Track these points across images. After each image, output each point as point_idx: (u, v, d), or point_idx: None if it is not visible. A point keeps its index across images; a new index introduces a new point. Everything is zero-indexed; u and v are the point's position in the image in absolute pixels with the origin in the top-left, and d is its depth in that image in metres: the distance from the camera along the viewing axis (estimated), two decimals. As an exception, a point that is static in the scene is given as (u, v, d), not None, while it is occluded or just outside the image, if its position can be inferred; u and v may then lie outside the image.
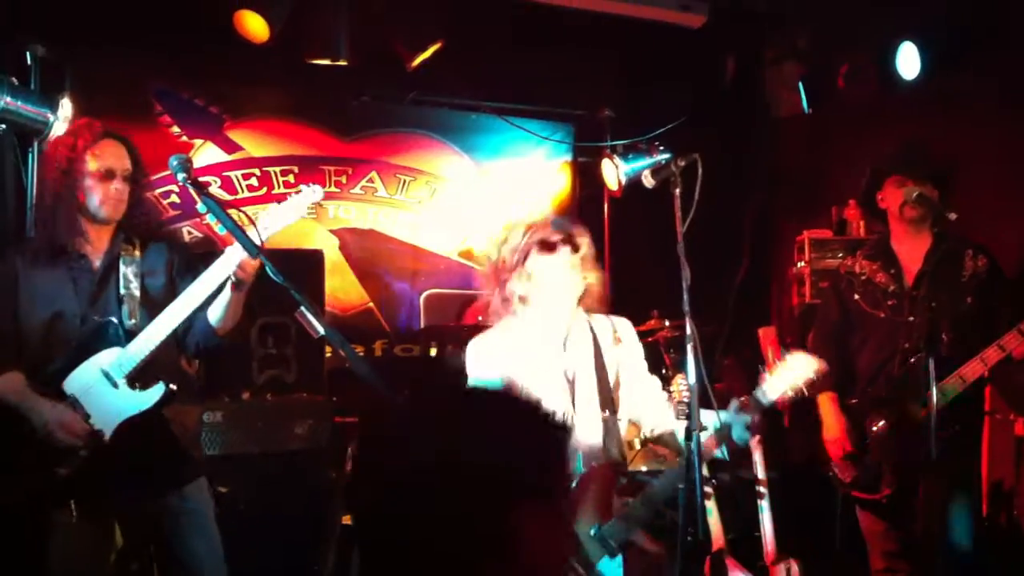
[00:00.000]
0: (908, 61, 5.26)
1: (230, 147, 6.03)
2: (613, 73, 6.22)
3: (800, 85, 6.02)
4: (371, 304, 6.31)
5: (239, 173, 6.04)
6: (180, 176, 3.18)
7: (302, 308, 2.99)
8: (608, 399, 3.34)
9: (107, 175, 3.41)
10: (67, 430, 3.23)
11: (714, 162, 3.25)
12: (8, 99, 4.55)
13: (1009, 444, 4.71)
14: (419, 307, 6.45)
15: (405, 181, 6.52)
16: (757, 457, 4.29)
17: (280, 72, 5.79)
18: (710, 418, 3.17)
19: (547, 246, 3.29)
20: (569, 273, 3.30)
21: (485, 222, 6.71)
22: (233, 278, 3.26)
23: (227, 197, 5.75)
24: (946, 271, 4.02)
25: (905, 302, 4.05)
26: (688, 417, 2.77)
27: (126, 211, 3.49)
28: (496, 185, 6.78)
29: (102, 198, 3.40)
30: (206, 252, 3.84)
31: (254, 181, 6.07)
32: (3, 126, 4.60)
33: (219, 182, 5.95)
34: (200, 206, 3.21)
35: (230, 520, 3.60)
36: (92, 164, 3.40)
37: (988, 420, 4.36)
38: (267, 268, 3.05)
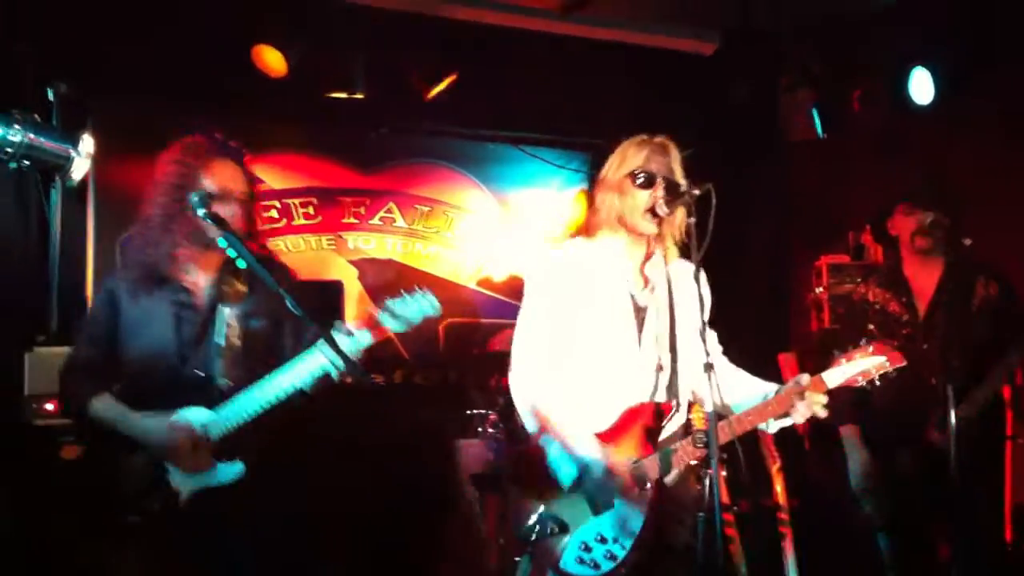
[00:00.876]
0: (921, 87, 5.28)
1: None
2: (628, 101, 6.24)
3: (814, 110, 6.04)
4: (390, 334, 6.32)
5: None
6: (200, 212, 3.15)
7: (322, 340, 3.02)
8: (672, 343, 3.18)
9: (222, 196, 3.23)
10: (183, 442, 3.06)
11: (729, 188, 3.24)
12: (31, 136, 4.61)
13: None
14: (439, 336, 6.47)
15: (423, 211, 6.56)
16: (778, 485, 4.27)
17: (298, 106, 5.85)
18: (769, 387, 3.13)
19: (644, 183, 3.14)
20: (649, 216, 3.12)
21: (502, 251, 6.75)
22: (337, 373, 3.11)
23: (236, 226, 5.79)
24: (958, 299, 4.03)
25: (919, 331, 4.05)
26: (706, 446, 2.76)
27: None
28: (513, 214, 6.81)
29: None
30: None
31: (274, 213, 6.12)
32: (27, 163, 4.66)
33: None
34: (220, 240, 3.17)
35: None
36: (208, 184, 3.24)
37: (1010, 445, 4.34)
38: (287, 302, 3.03)
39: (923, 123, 5.38)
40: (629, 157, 3.20)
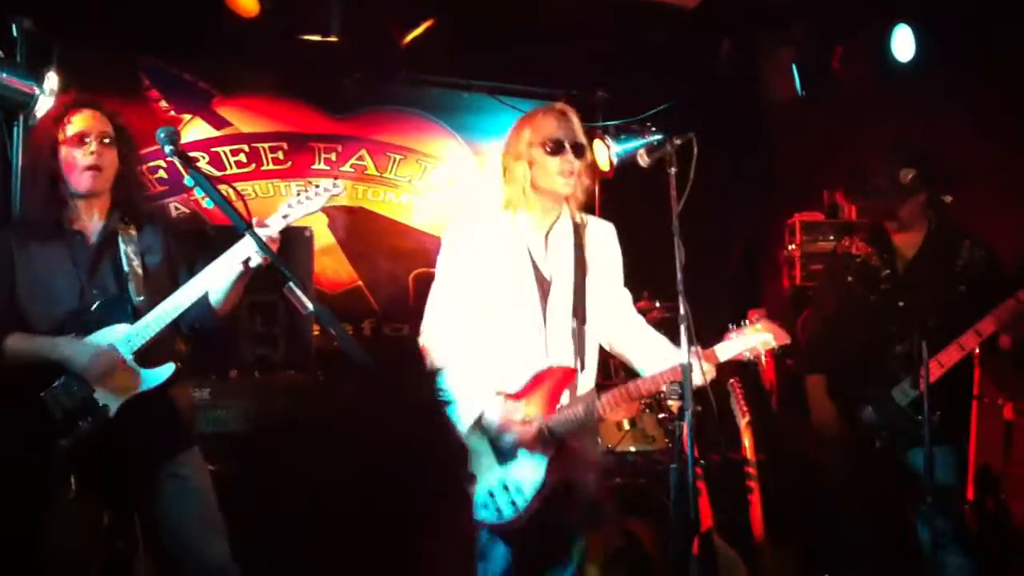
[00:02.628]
0: (903, 44, 5.24)
1: (219, 123, 5.97)
2: (607, 54, 6.17)
3: (794, 68, 6.00)
4: (360, 283, 6.26)
5: (228, 149, 5.99)
6: (167, 148, 3.14)
7: (291, 285, 2.96)
8: (581, 307, 3.38)
9: (81, 139, 3.37)
10: (106, 360, 3.24)
11: (707, 145, 3.23)
12: (-7, 71, 4.50)
13: (997, 428, 4.71)
14: (408, 286, 6.42)
15: (395, 159, 6.47)
16: (746, 439, 4.29)
17: (270, 48, 5.72)
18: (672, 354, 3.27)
19: (553, 146, 3.31)
20: (567, 176, 3.32)
21: (476, 202, 6.68)
22: (252, 262, 3.26)
23: (216, 173, 5.69)
24: (941, 258, 4.04)
25: (897, 287, 4.05)
26: (680, 396, 2.76)
27: (118, 187, 3.47)
28: (487, 165, 6.74)
29: (79, 164, 3.36)
30: (197, 231, 3.80)
31: (243, 157, 6.02)
32: (-12, 99, 4.56)
33: (207, 158, 5.89)
34: (187, 180, 3.15)
35: (221, 497, 3.57)
36: (66, 130, 3.38)
37: (976, 404, 4.37)
38: (257, 244, 3.03)
39: (905, 82, 5.35)
40: (535, 127, 3.37)
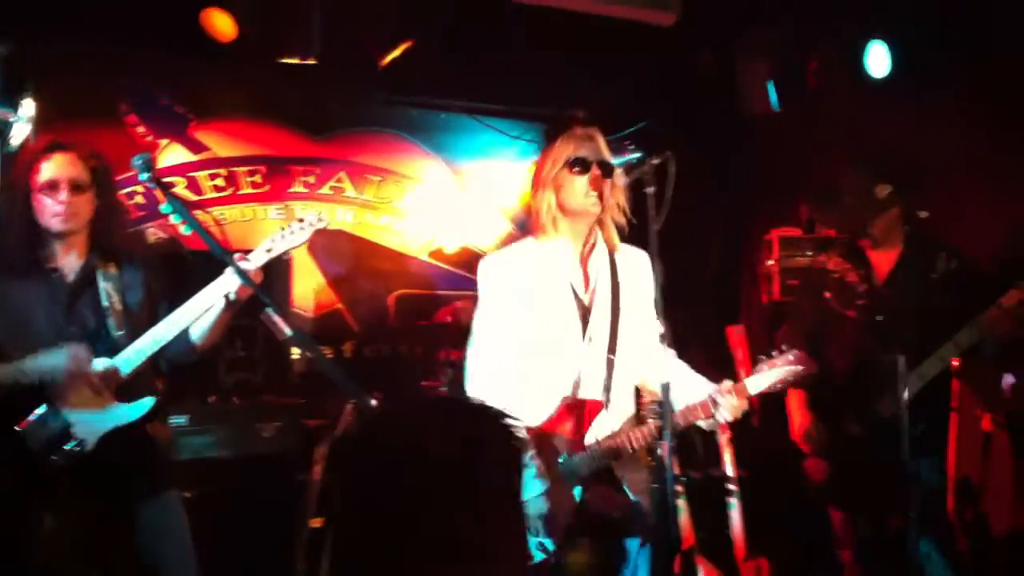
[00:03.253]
0: (878, 60, 5.29)
1: (196, 147, 5.96)
2: (584, 72, 6.20)
3: (769, 83, 6.03)
4: (340, 305, 6.25)
5: (205, 173, 5.98)
6: (143, 176, 3.14)
7: (268, 310, 2.96)
8: (612, 339, 3.28)
9: (52, 187, 3.36)
10: (82, 367, 3.21)
11: (685, 160, 3.24)
12: (-32, 98, 4.48)
13: (976, 440, 4.73)
14: (389, 308, 6.41)
15: (374, 181, 6.48)
16: (727, 455, 4.30)
17: (248, 71, 5.73)
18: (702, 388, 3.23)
19: (578, 165, 3.26)
20: (593, 196, 3.25)
21: (455, 223, 6.69)
22: (232, 296, 3.26)
23: (193, 198, 5.70)
24: (917, 272, 4.06)
25: (874, 302, 4.07)
26: (660, 416, 2.76)
27: (95, 226, 3.45)
28: (466, 185, 6.75)
29: (49, 211, 3.35)
30: (173, 256, 3.78)
31: (220, 181, 6.01)
32: (-37, 126, 4.53)
33: (185, 183, 5.88)
34: (164, 206, 3.15)
35: (197, 525, 3.56)
36: (39, 177, 3.37)
37: (955, 416, 4.39)
38: (233, 269, 3.03)
39: (882, 96, 5.39)
40: (559, 151, 3.30)
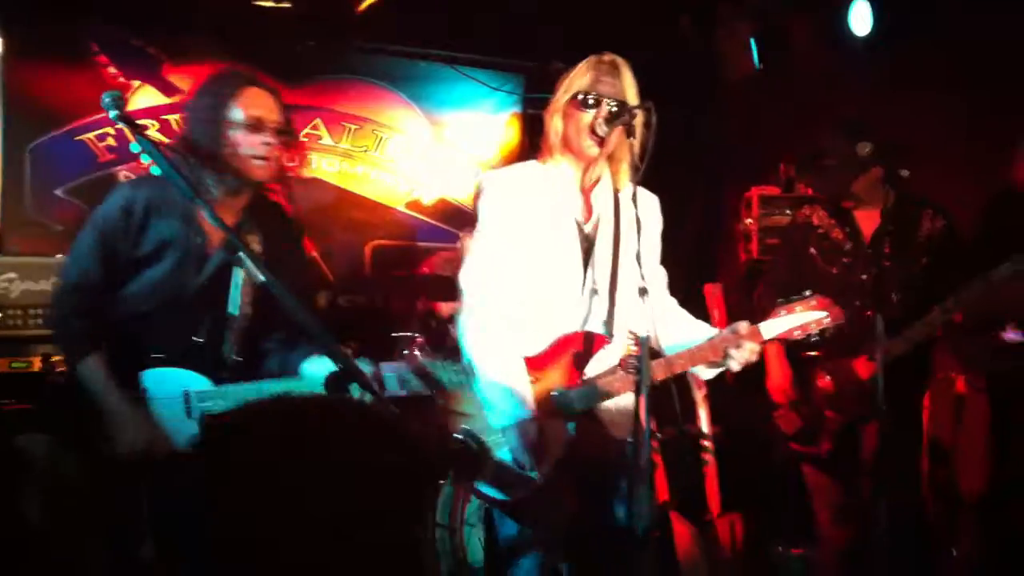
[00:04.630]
0: (860, 19, 5.25)
1: (169, 90, 5.84)
2: (565, 25, 6.12)
3: (752, 42, 5.99)
4: (314, 254, 6.18)
5: (178, 117, 5.85)
6: (112, 113, 2.95)
7: (240, 255, 2.88)
8: (613, 273, 3.12)
9: (254, 126, 3.06)
10: (143, 450, 2.93)
11: (663, 118, 3.18)
12: (-67, 33, 4.37)
13: (949, 402, 4.75)
14: (365, 258, 6.36)
15: (351, 129, 6.38)
16: (702, 413, 4.30)
17: (222, 14, 5.61)
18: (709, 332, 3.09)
19: (584, 101, 3.07)
20: (593, 136, 3.06)
21: (433, 173, 6.62)
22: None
23: (166, 141, 5.58)
24: (903, 231, 4.05)
25: (859, 260, 4.06)
26: (637, 371, 2.72)
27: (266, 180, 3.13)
28: (445, 136, 6.67)
29: (250, 151, 3.04)
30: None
31: (183, 127, 5.90)
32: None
33: (158, 125, 5.76)
34: (133, 145, 3.02)
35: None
36: (239, 112, 3.06)
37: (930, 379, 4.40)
38: (206, 215, 2.91)
39: (861, 56, 5.35)
40: (576, 79, 3.12)
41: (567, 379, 3.03)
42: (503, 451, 2.96)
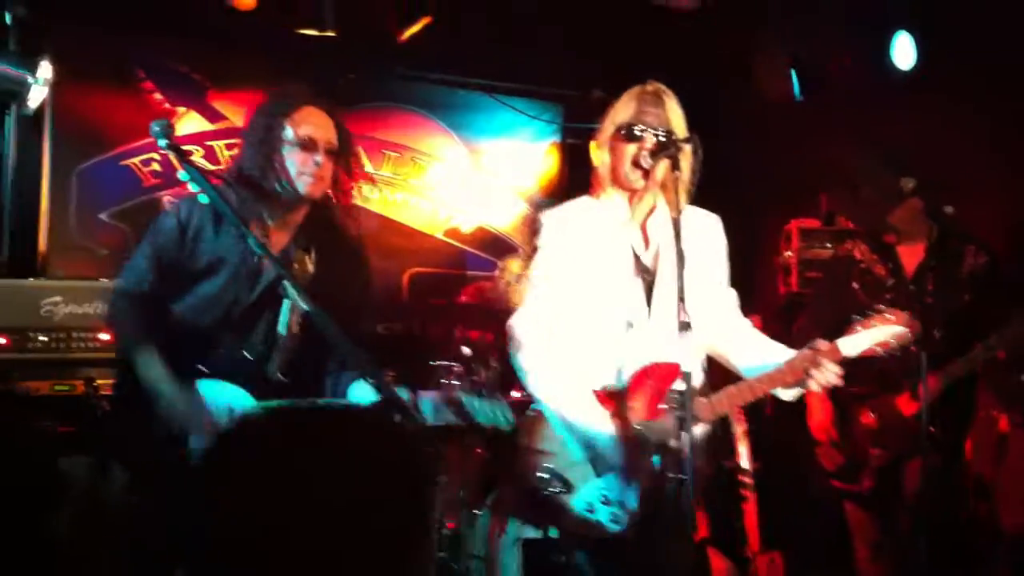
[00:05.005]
0: (903, 52, 5.22)
1: (213, 116, 5.91)
2: (604, 54, 6.14)
3: (792, 72, 5.97)
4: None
5: (222, 143, 5.92)
6: (161, 142, 3.01)
7: (285, 284, 2.90)
8: (682, 303, 2.93)
9: (308, 145, 3.07)
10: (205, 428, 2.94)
11: (702, 147, 3.16)
12: (-14, 60, 4.45)
13: (992, 440, 4.69)
14: (403, 285, 6.37)
15: (391, 157, 6.43)
16: (742, 448, 4.26)
17: (266, 41, 5.68)
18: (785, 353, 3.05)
19: (629, 135, 3.05)
20: (638, 171, 3.03)
21: (471, 202, 6.64)
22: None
23: (210, 167, 5.64)
24: (945, 266, 4.01)
25: (902, 296, 4.03)
26: (681, 406, 2.70)
27: (323, 199, 3.15)
28: (483, 164, 6.70)
29: (300, 169, 3.05)
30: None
31: (237, 151, 5.95)
32: (-20, 88, 4.50)
33: (202, 152, 5.83)
34: (181, 174, 3.05)
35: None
36: (291, 132, 3.08)
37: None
38: (250, 242, 2.93)
39: (904, 87, 5.32)
40: (620, 110, 3.11)
41: (648, 412, 2.97)
42: (588, 486, 2.93)
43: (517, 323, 3.11)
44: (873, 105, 5.63)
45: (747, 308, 5.90)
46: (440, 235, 6.57)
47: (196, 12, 5.39)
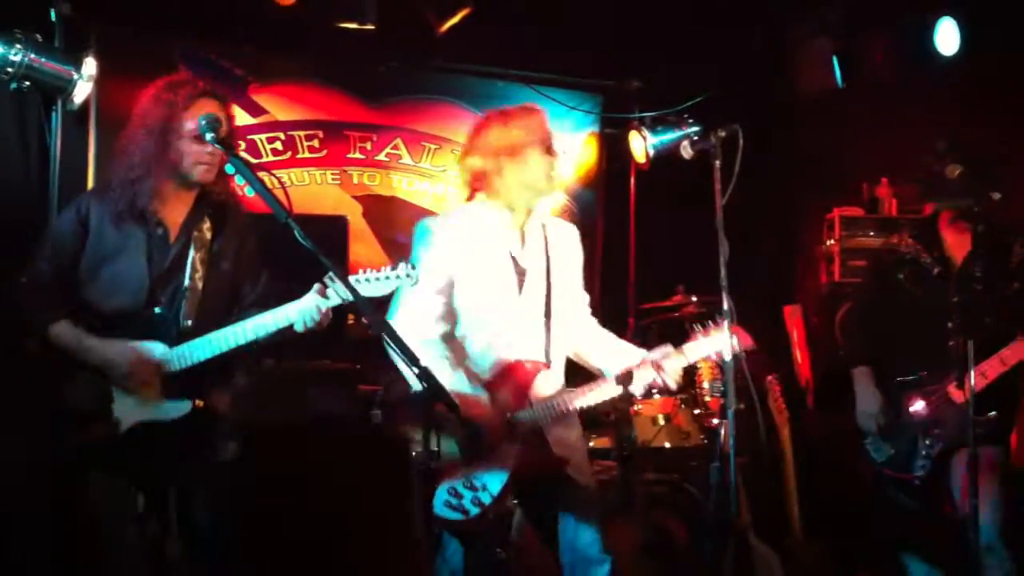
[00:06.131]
0: (947, 38, 5.15)
1: (255, 110, 5.95)
2: (642, 44, 6.13)
3: (834, 60, 5.91)
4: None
5: (264, 137, 5.97)
6: (208, 136, 3.12)
7: (331, 275, 2.95)
8: (547, 303, 3.43)
9: (200, 136, 3.26)
10: (143, 368, 3.20)
11: (743, 137, 3.18)
12: (32, 56, 4.52)
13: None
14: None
15: (430, 149, 6.45)
16: (784, 435, 4.25)
17: (307, 36, 5.72)
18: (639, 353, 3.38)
19: (547, 150, 3.42)
20: (551, 178, 3.44)
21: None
22: (304, 327, 3.22)
23: (252, 161, 5.68)
24: (994, 256, 3.99)
25: (951, 284, 4.00)
26: (723, 394, 2.71)
27: (216, 180, 3.39)
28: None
29: (196, 159, 3.28)
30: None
31: (279, 145, 6.00)
32: (27, 84, 4.57)
33: (244, 145, 5.84)
34: (228, 167, 3.13)
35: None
36: (189, 123, 3.27)
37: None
38: (296, 233, 3.00)
39: (947, 75, 5.26)
40: (529, 126, 3.48)
41: (514, 404, 3.27)
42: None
43: (400, 308, 3.38)
44: (915, 91, 5.58)
45: (786, 297, 5.91)
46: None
47: (237, 7, 5.43)
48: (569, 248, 3.58)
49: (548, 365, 3.38)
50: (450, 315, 3.37)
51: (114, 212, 3.31)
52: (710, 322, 3.23)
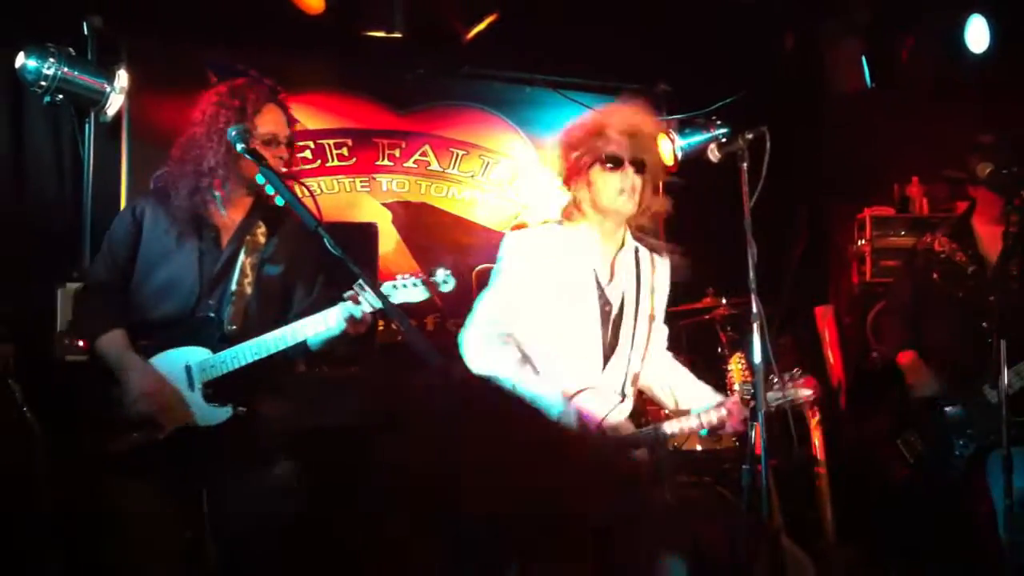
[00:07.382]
0: (977, 35, 5.12)
1: (284, 119, 6.00)
2: (669, 47, 6.12)
3: (863, 60, 5.88)
4: (423, 277, 6.26)
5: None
6: (239, 146, 3.15)
7: (361, 282, 2.98)
8: (635, 335, 3.32)
9: (271, 140, 3.32)
10: (152, 400, 3.21)
11: (771, 138, 3.17)
12: (65, 69, 4.59)
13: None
14: (472, 282, 6.41)
15: (458, 155, 6.47)
16: (816, 439, 4.23)
17: (334, 44, 5.75)
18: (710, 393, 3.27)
19: (612, 161, 3.20)
20: (628, 194, 3.21)
21: (538, 197, 6.65)
22: (342, 330, 3.20)
23: (282, 169, 5.75)
24: None
25: (985, 282, 3.97)
26: (752, 397, 2.71)
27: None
28: (549, 159, 6.69)
29: (273, 165, 3.27)
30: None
31: (308, 154, 6.04)
32: (60, 97, 4.63)
33: (312, 146, 5.94)
34: (258, 177, 3.15)
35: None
36: (261, 129, 3.32)
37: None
38: (325, 241, 3.02)
39: (977, 73, 5.21)
40: (595, 142, 3.27)
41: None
42: None
43: (473, 321, 3.32)
44: (945, 89, 5.53)
45: (817, 297, 5.88)
46: (508, 231, 6.57)
47: (265, 17, 5.48)
48: (659, 280, 3.42)
49: (621, 399, 3.27)
50: (530, 338, 3.25)
51: (174, 216, 3.33)
52: (787, 374, 3.15)
